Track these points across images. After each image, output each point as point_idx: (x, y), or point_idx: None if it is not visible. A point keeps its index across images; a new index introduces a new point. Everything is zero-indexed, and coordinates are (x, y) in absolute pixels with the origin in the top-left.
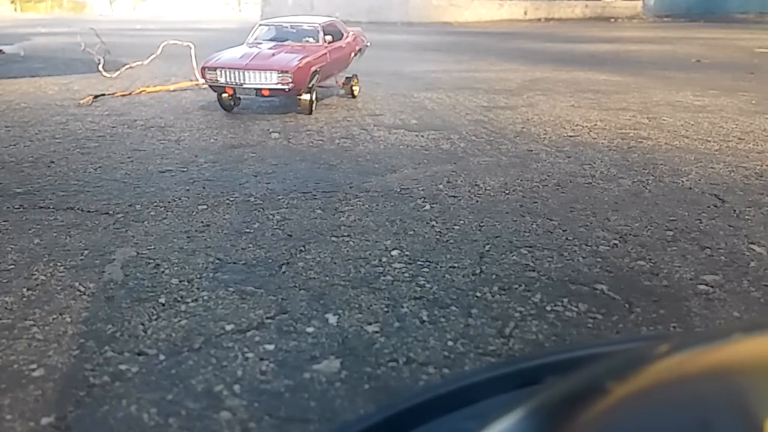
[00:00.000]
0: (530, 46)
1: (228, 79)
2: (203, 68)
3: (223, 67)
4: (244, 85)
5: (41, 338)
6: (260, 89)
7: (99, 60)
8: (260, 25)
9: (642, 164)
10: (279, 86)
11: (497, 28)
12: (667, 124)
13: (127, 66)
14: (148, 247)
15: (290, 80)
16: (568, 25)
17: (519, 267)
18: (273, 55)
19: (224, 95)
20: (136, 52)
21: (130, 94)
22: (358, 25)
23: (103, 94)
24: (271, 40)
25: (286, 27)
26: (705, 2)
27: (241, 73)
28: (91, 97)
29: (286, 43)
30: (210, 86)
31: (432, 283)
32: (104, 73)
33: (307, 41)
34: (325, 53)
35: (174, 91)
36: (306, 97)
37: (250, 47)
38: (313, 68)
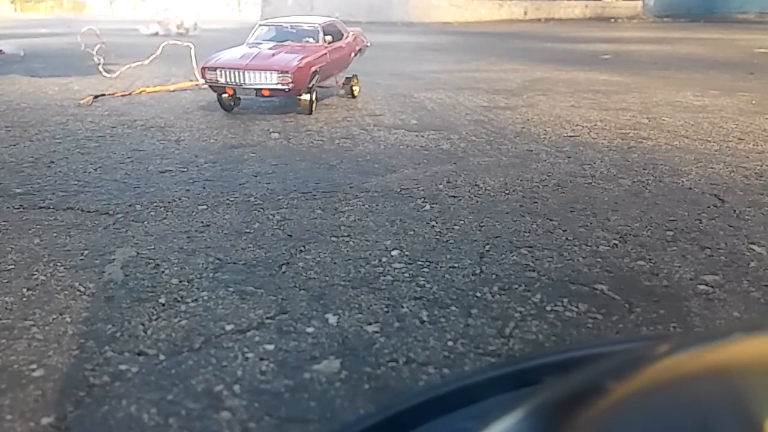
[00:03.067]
0: (530, 46)
1: (228, 79)
2: (203, 68)
3: (223, 68)
4: (244, 85)
5: (41, 338)
6: (260, 89)
7: (99, 60)
8: (260, 25)
9: (642, 164)
10: (279, 86)
11: (497, 28)
12: (667, 124)
13: (127, 66)
14: (148, 247)
15: (290, 80)
16: (568, 25)
17: (519, 267)
18: (273, 55)
19: (224, 95)
20: (137, 52)
21: (130, 94)
22: (358, 25)
23: (104, 95)
24: (271, 40)
25: (286, 27)
26: (705, 2)
27: (241, 73)
28: (91, 98)
29: (286, 43)
30: (210, 86)
31: (432, 283)
32: (104, 73)
33: (307, 41)
34: (325, 53)
35: (174, 91)
36: (306, 97)
37: (250, 47)
38: (313, 68)
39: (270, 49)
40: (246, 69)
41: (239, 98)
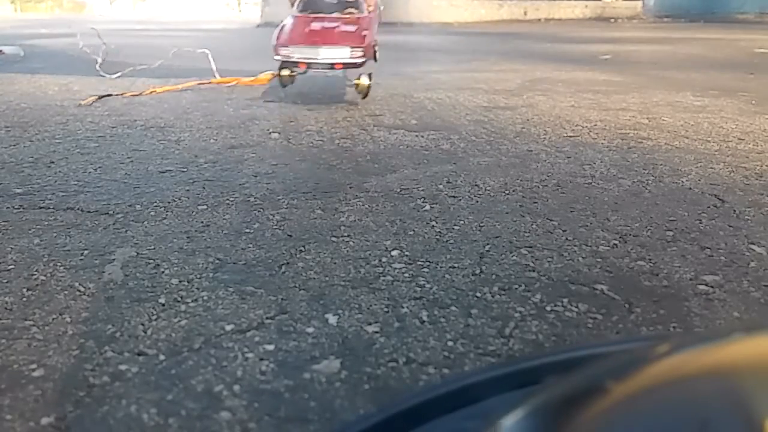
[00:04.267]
0: (530, 47)
1: (302, 55)
2: (277, 45)
3: (297, 44)
4: (318, 60)
5: (41, 338)
6: (333, 63)
7: (99, 61)
8: None
9: (642, 164)
10: (350, 60)
11: (497, 28)
12: (667, 124)
13: (130, 69)
14: (148, 248)
15: (362, 54)
16: (568, 25)
17: (519, 267)
18: (337, 28)
19: (284, 72)
20: (137, 52)
21: (140, 94)
22: None
23: (110, 95)
24: (318, 11)
25: None
26: (705, 2)
27: (315, 50)
28: (93, 98)
29: (333, 15)
30: (283, 62)
31: (432, 283)
32: (104, 74)
33: (351, 12)
34: (373, 25)
35: (182, 90)
36: (365, 81)
37: (306, 21)
38: (372, 40)
39: (328, 22)
40: (320, 44)
41: (295, 75)
